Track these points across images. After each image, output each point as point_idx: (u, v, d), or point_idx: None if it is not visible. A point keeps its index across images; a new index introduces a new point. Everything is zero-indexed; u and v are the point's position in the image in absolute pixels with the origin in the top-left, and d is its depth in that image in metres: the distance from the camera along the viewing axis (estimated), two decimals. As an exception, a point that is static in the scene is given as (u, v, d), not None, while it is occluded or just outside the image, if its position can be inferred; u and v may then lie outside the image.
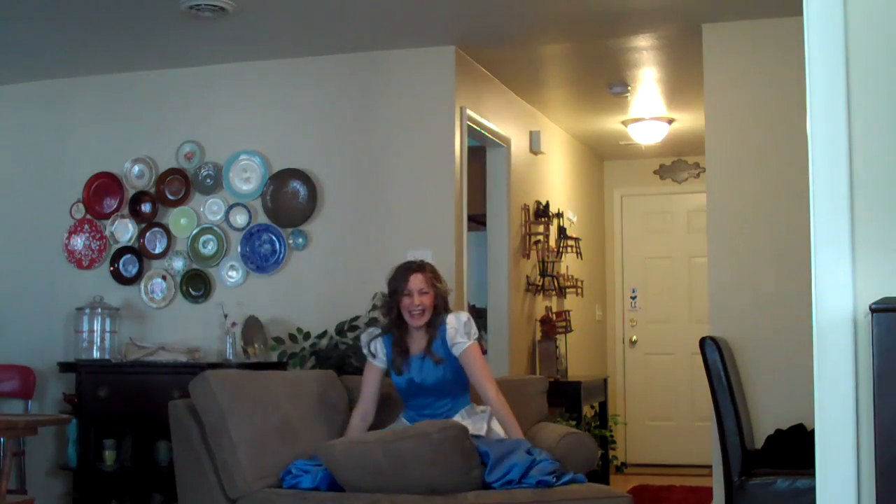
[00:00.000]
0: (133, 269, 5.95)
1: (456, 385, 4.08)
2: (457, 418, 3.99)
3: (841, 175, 2.40)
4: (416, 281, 4.09)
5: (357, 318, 5.47)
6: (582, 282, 7.69)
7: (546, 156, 7.34)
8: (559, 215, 7.40)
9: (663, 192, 8.93)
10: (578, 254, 7.62)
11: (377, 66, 5.73)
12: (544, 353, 6.88)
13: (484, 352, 4.46)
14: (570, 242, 7.51)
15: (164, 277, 5.90)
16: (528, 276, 6.90)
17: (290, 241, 5.74)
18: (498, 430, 4.05)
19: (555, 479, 3.68)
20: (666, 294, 8.84)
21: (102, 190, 6.02)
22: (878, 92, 2.42)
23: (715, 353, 4.49)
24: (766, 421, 4.82)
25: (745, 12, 5.12)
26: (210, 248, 5.85)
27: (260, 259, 5.76)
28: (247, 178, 5.84)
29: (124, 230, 5.98)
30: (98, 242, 6.01)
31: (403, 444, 3.64)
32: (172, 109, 6.02)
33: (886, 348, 2.19)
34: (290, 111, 5.86)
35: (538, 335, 6.97)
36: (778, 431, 4.65)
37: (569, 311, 7.25)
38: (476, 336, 4.09)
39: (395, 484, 3.64)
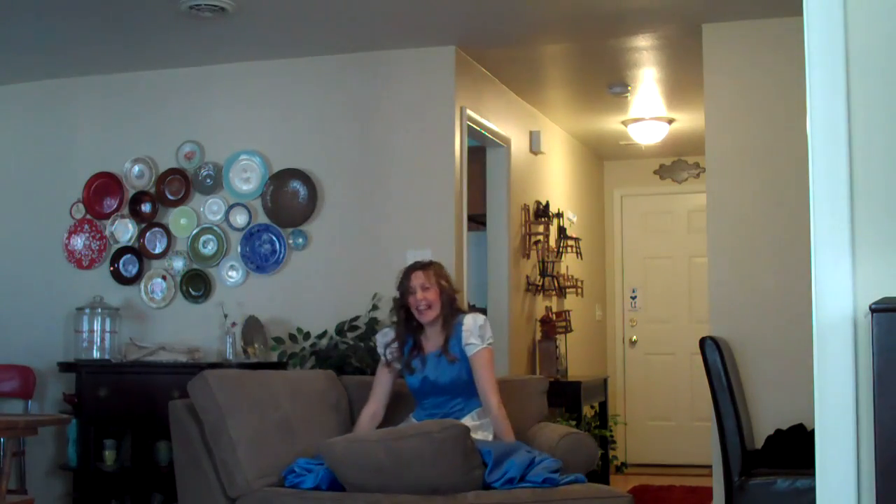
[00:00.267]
0: (133, 269, 5.95)
1: (470, 385, 4.09)
2: (467, 419, 4.00)
3: (841, 175, 2.40)
4: (418, 278, 4.12)
5: (357, 318, 5.47)
6: (582, 282, 7.69)
7: (546, 156, 7.34)
8: (559, 215, 7.40)
9: (663, 192, 8.93)
10: (578, 254, 7.62)
11: (377, 66, 5.73)
12: (544, 353, 6.88)
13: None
14: (570, 242, 7.51)
15: (164, 277, 5.90)
16: (528, 276, 6.90)
17: (290, 241, 5.74)
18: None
19: (559, 477, 3.69)
20: (666, 294, 8.84)
21: (102, 190, 6.02)
22: (878, 92, 2.42)
23: (715, 353, 4.49)
24: (766, 421, 4.82)
25: (745, 12, 5.12)
26: (210, 248, 5.85)
27: (260, 259, 5.76)
28: (247, 178, 5.84)
29: (124, 230, 5.98)
30: (98, 242, 6.01)
31: (405, 442, 3.64)
32: (172, 109, 6.02)
33: (886, 348, 2.19)
34: (290, 111, 5.86)
35: (538, 335, 6.97)
36: (778, 431, 4.65)
37: (569, 311, 7.25)
38: (490, 341, 4.10)
39: (396, 483, 3.64)
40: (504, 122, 6.45)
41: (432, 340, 4.15)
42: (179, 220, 5.91)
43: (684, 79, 6.31)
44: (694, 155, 8.64)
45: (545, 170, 7.39)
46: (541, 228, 7.09)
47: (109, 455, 5.45)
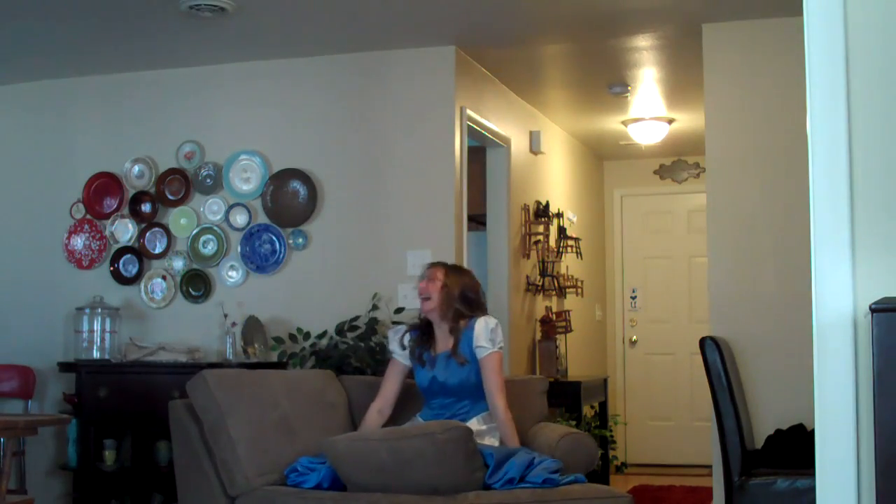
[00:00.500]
0: (133, 269, 5.95)
1: (478, 388, 4.10)
2: (473, 422, 4.00)
3: (841, 175, 2.40)
4: (430, 270, 4.21)
5: (357, 318, 5.47)
6: (582, 282, 7.69)
7: (546, 156, 7.34)
8: (559, 215, 7.40)
9: (663, 192, 8.93)
10: (578, 254, 7.62)
11: (377, 66, 5.73)
12: (544, 353, 6.89)
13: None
14: (570, 242, 7.51)
15: (164, 277, 5.90)
16: (528, 276, 6.90)
17: (290, 241, 5.74)
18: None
19: (559, 478, 3.69)
20: (666, 294, 8.84)
21: (102, 190, 6.02)
22: (878, 92, 2.42)
23: (715, 353, 4.49)
24: (766, 421, 4.82)
25: (745, 12, 5.12)
26: (210, 248, 5.85)
27: (260, 259, 5.76)
28: (247, 178, 5.84)
29: (124, 230, 5.98)
30: (98, 242, 6.01)
31: (407, 442, 3.65)
32: (172, 109, 6.02)
33: (886, 348, 2.19)
34: (290, 111, 5.86)
35: (538, 335, 6.97)
36: (778, 431, 4.65)
37: (569, 311, 7.25)
38: (500, 345, 4.12)
39: (397, 482, 3.64)
40: (504, 122, 6.45)
41: (442, 342, 4.18)
42: (179, 220, 5.90)
43: (684, 79, 6.31)
44: (694, 155, 8.64)
45: (545, 170, 7.39)
46: (541, 228, 7.09)
47: (109, 455, 5.45)
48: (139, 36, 5.44)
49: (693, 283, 8.58)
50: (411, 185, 5.62)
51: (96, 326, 5.70)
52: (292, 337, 5.53)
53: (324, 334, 5.51)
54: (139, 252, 5.94)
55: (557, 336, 7.05)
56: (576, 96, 7.05)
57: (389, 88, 5.71)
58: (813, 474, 2.41)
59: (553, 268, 7.21)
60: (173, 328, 5.82)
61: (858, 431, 2.33)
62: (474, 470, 3.66)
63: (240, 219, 5.81)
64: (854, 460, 2.33)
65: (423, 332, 4.23)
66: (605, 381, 7.56)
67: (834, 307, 2.37)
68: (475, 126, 5.91)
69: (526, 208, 6.89)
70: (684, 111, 7.19)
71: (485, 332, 4.10)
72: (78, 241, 6.04)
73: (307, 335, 5.53)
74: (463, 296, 4.17)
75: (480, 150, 6.43)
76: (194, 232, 5.87)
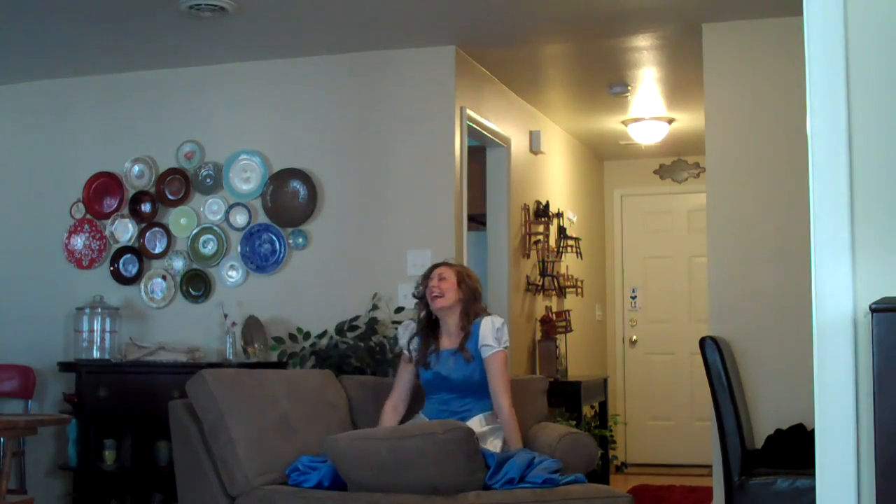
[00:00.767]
0: (133, 269, 5.95)
1: (481, 387, 4.12)
2: (474, 421, 4.01)
3: (841, 175, 2.40)
4: (437, 270, 4.25)
5: (357, 318, 5.47)
6: (582, 282, 7.69)
7: (546, 156, 7.34)
8: (559, 215, 7.40)
9: (663, 192, 8.93)
10: (578, 254, 7.62)
11: (377, 66, 5.73)
12: (544, 353, 6.89)
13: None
14: (570, 242, 7.51)
15: (164, 277, 5.90)
16: (528, 276, 6.90)
17: (290, 241, 5.74)
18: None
19: (559, 478, 3.69)
20: (666, 294, 8.84)
21: (102, 190, 6.02)
22: (878, 92, 2.42)
23: (715, 353, 4.49)
24: (766, 421, 4.82)
25: (745, 12, 5.12)
26: (210, 248, 5.85)
27: (260, 259, 5.76)
28: (247, 178, 5.84)
29: (124, 230, 5.98)
30: (98, 242, 6.01)
31: (408, 442, 3.65)
32: (172, 109, 6.02)
33: (886, 348, 2.19)
34: (290, 111, 5.86)
35: (538, 335, 6.98)
36: (778, 431, 4.65)
37: (569, 311, 7.25)
38: (506, 345, 4.16)
39: (397, 481, 3.64)
40: (504, 122, 6.45)
41: (449, 338, 4.20)
42: (179, 219, 5.90)
43: (684, 79, 6.31)
44: (694, 155, 8.64)
45: (545, 170, 7.39)
46: (541, 228, 7.09)
47: (109, 455, 5.45)
48: (139, 36, 5.44)
49: (693, 283, 8.58)
50: (411, 185, 5.62)
51: (96, 326, 5.70)
52: (292, 337, 5.53)
53: (324, 334, 5.51)
54: (139, 252, 5.94)
55: (557, 336, 7.05)
56: (576, 96, 7.05)
57: (389, 88, 5.71)
58: (813, 474, 2.41)
59: (553, 268, 7.21)
60: (173, 328, 5.82)
61: (858, 431, 2.33)
62: (475, 470, 3.67)
63: (240, 219, 5.81)
64: (854, 460, 2.33)
65: (427, 329, 4.25)
66: (605, 381, 7.56)
67: (834, 307, 2.37)
68: (475, 126, 5.91)
69: (526, 208, 6.89)
70: (684, 111, 7.19)
71: (491, 331, 4.13)
72: (78, 241, 6.04)
73: (307, 335, 5.53)
74: (474, 294, 4.22)
75: (480, 150, 6.43)
76: (194, 232, 5.87)
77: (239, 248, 5.79)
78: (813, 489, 2.40)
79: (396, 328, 5.02)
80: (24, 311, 6.06)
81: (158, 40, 5.51)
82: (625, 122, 7.54)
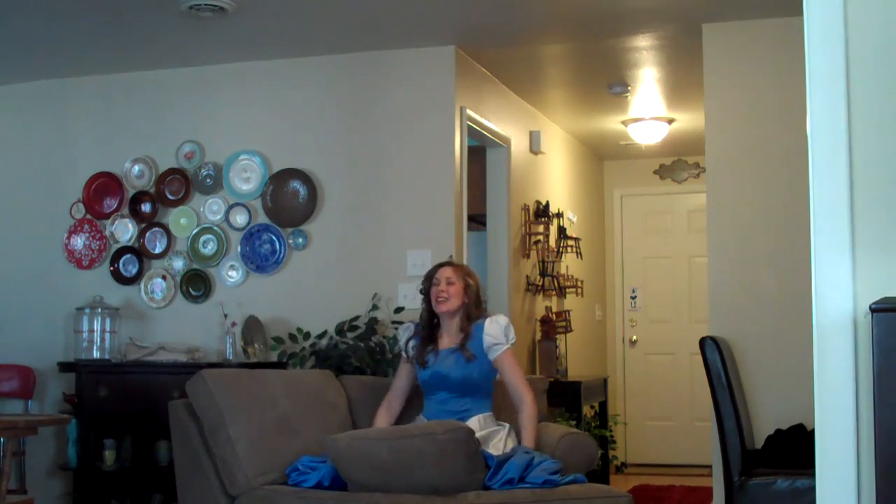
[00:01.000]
0: (133, 269, 5.95)
1: (480, 387, 4.12)
2: (473, 421, 4.00)
3: (841, 175, 2.40)
4: (445, 272, 4.23)
5: (357, 318, 5.47)
6: (582, 282, 7.69)
7: (546, 156, 7.34)
8: (559, 215, 7.40)
9: (663, 192, 8.93)
10: (578, 254, 7.62)
11: (377, 66, 5.73)
12: (544, 353, 6.89)
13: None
14: (570, 242, 7.51)
15: (164, 277, 5.90)
16: (528, 276, 6.90)
17: (290, 241, 5.74)
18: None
19: (559, 478, 3.69)
20: (666, 294, 8.84)
21: (102, 190, 6.02)
22: (878, 92, 2.42)
23: (715, 353, 4.49)
24: (766, 421, 4.82)
25: (745, 12, 5.12)
26: (210, 248, 5.85)
27: (260, 259, 5.76)
28: (247, 178, 5.84)
29: (124, 230, 5.98)
30: (98, 242, 6.01)
31: (408, 442, 3.65)
32: (172, 109, 6.02)
33: (886, 348, 2.19)
34: (290, 111, 5.86)
35: (538, 335, 6.98)
36: (778, 431, 4.65)
37: (569, 311, 7.25)
38: (513, 341, 4.18)
39: (398, 482, 3.64)
40: (504, 122, 6.45)
41: (449, 337, 4.20)
42: (179, 220, 5.90)
43: (684, 79, 6.31)
44: (694, 155, 8.64)
45: (545, 170, 7.39)
46: (541, 228, 7.09)
47: (109, 455, 5.44)
48: (139, 36, 5.44)
49: (693, 283, 8.58)
50: (411, 185, 5.62)
51: (96, 326, 5.70)
52: (292, 337, 5.52)
53: (324, 334, 5.51)
54: (139, 252, 5.94)
55: (557, 336, 7.05)
56: (576, 96, 7.05)
57: (389, 88, 5.71)
58: (813, 474, 2.41)
59: (553, 268, 7.21)
60: (173, 328, 5.82)
61: (858, 431, 2.33)
62: (475, 470, 3.67)
63: (240, 219, 5.81)
64: (854, 460, 2.33)
65: (427, 330, 4.25)
66: (605, 381, 7.57)
67: (834, 307, 2.37)
68: (475, 126, 5.91)
69: (526, 208, 6.89)
70: (684, 111, 7.19)
71: (498, 330, 4.14)
72: (78, 241, 6.04)
73: (307, 335, 5.53)
74: (477, 297, 4.23)
75: (480, 150, 6.43)
76: (194, 232, 5.87)
77: (239, 249, 5.79)
78: (813, 489, 2.40)
79: (396, 328, 5.03)
80: (24, 311, 6.06)
81: (158, 40, 5.51)
82: (625, 122, 7.54)
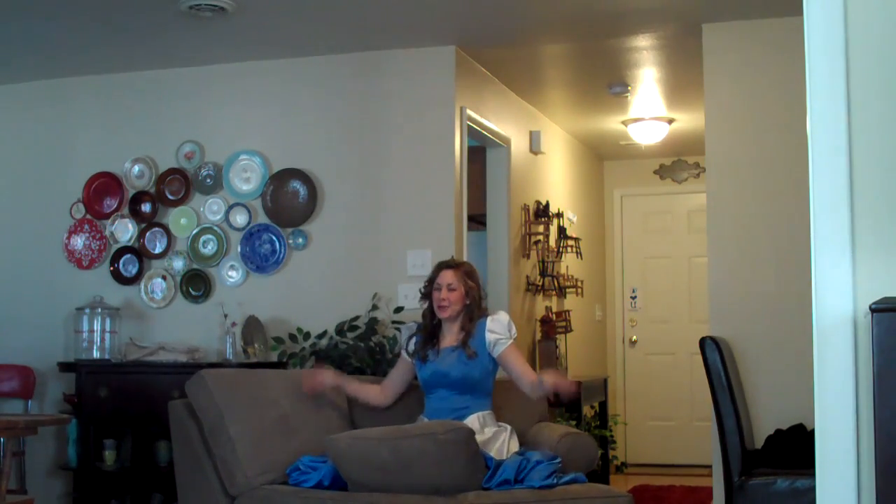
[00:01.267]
0: (133, 269, 5.95)
1: (480, 386, 4.12)
2: (472, 418, 4.00)
3: (841, 175, 2.40)
4: (446, 276, 4.20)
5: (357, 318, 5.47)
6: (582, 282, 7.69)
7: (546, 156, 7.34)
8: (559, 215, 7.40)
9: (663, 192, 8.93)
10: (578, 254, 7.62)
11: (377, 66, 5.73)
12: (544, 353, 6.89)
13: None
14: (570, 242, 7.51)
15: (164, 277, 5.90)
16: (528, 276, 6.90)
17: (290, 241, 5.74)
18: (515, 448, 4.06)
19: (556, 480, 3.69)
20: (666, 294, 8.84)
21: (102, 190, 6.02)
22: (878, 92, 2.42)
23: (715, 353, 4.49)
24: (766, 421, 4.82)
25: (745, 12, 5.12)
26: (210, 248, 5.85)
27: (260, 259, 5.76)
28: (247, 178, 5.84)
29: (124, 230, 5.98)
30: (98, 242, 6.01)
31: (409, 442, 3.65)
32: (172, 109, 6.02)
33: (886, 348, 2.19)
34: (290, 111, 5.86)
35: (538, 335, 6.97)
36: (778, 431, 4.66)
37: (569, 311, 7.25)
38: (515, 335, 4.20)
39: (398, 481, 3.64)
40: (504, 122, 6.45)
41: (450, 336, 4.20)
42: (179, 220, 5.91)
43: (684, 79, 6.31)
44: (694, 155, 8.64)
45: (545, 170, 7.39)
46: (541, 228, 7.09)
47: (109, 455, 5.44)
48: (139, 36, 5.44)
49: (693, 283, 8.58)
50: (411, 185, 5.62)
51: (96, 326, 5.70)
52: (292, 337, 5.52)
53: (324, 334, 5.51)
54: (139, 252, 5.94)
55: (557, 336, 7.05)
56: (576, 96, 7.05)
57: (389, 88, 5.71)
58: (813, 474, 2.41)
59: (553, 268, 7.21)
60: (173, 328, 5.82)
61: (858, 431, 2.33)
62: (475, 471, 3.67)
63: (240, 219, 5.81)
64: (854, 460, 2.33)
65: (429, 331, 4.24)
66: (605, 381, 7.56)
67: (834, 307, 2.37)
68: (475, 126, 5.91)
69: (526, 208, 6.89)
70: (684, 111, 7.19)
71: (501, 326, 4.15)
72: (78, 241, 6.04)
73: (307, 335, 5.53)
74: (479, 299, 4.23)
75: (480, 150, 6.43)
76: (194, 232, 5.87)
77: (239, 249, 5.79)
78: (813, 489, 2.40)
79: (396, 328, 5.03)
80: (24, 311, 6.06)
81: (158, 40, 5.51)
82: (625, 123, 7.54)
